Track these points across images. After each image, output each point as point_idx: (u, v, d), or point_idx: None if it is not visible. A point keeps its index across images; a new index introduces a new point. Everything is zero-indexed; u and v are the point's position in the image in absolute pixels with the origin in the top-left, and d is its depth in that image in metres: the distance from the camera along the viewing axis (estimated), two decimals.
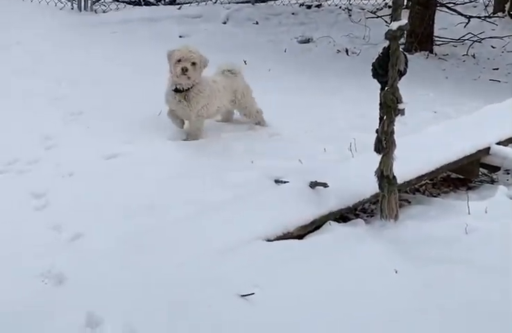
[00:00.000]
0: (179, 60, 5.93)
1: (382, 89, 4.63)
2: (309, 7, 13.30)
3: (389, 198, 4.72)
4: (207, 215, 4.63)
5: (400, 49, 4.55)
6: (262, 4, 13.08)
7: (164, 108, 6.32)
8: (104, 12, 11.27)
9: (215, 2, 12.63)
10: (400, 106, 4.57)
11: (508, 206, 5.21)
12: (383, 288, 4.02)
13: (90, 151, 5.65)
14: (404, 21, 4.52)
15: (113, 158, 5.61)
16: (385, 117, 4.63)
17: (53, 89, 7.15)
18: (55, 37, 9.21)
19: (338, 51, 10.68)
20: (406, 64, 4.58)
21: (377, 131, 4.68)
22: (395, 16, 4.53)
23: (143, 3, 12.11)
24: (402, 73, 4.59)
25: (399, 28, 4.49)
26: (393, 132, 4.65)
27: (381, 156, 4.71)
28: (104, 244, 4.28)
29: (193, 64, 5.93)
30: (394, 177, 4.72)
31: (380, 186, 4.74)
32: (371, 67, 4.67)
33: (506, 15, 13.09)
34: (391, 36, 4.51)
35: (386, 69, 4.56)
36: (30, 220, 4.62)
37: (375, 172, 4.73)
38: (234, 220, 4.55)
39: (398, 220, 4.81)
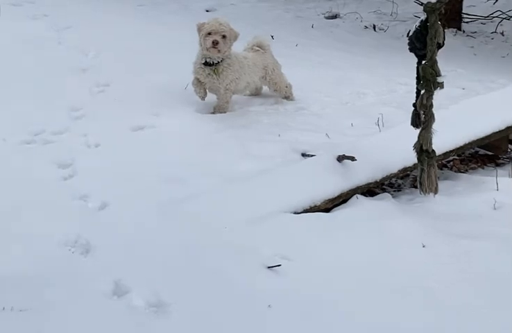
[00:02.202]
0: (209, 33, 5.88)
1: (419, 62, 4.56)
2: None
3: (429, 172, 4.67)
4: (234, 187, 4.63)
5: (438, 22, 4.47)
6: None
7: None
8: None
9: None
10: (439, 79, 4.51)
11: None
12: (410, 262, 4.02)
13: (117, 123, 5.64)
14: None
15: (140, 130, 5.60)
16: (423, 91, 4.56)
17: (79, 60, 7.13)
18: (82, 9, 9.16)
19: (366, 27, 10.59)
20: (443, 37, 4.51)
21: (414, 105, 4.63)
22: None
23: None
24: (440, 46, 4.52)
25: (439, 0, 4.41)
26: (431, 106, 4.60)
27: (419, 130, 4.65)
28: (130, 214, 4.30)
29: (224, 37, 5.88)
30: (433, 150, 4.68)
31: (419, 160, 4.69)
32: (408, 41, 4.60)
33: None
34: (430, 8, 4.42)
35: (424, 42, 4.49)
36: (57, 190, 4.62)
37: (413, 146, 4.68)
38: (262, 193, 4.55)
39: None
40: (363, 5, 11.61)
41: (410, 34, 4.60)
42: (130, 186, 4.66)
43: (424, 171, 4.64)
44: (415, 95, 4.64)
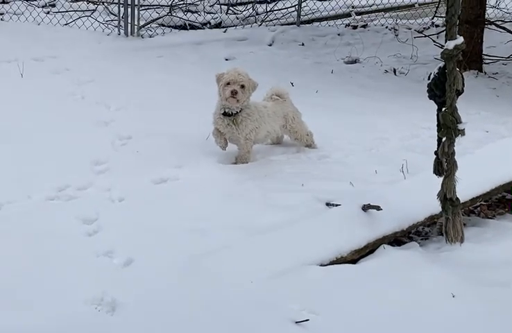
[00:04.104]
0: (228, 83, 5.92)
1: (439, 109, 4.52)
2: (354, 27, 13.25)
3: (454, 221, 4.59)
4: (258, 239, 4.59)
5: (457, 68, 4.45)
6: (307, 25, 13.05)
7: None
8: (150, 36, 11.36)
9: (260, 24, 12.65)
10: (460, 126, 4.47)
11: None
12: (441, 313, 3.95)
13: (140, 176, 5.64)
14: (460, 39, 4.38)
15: (163, 183, 5.61)
16: (444, 138, 4.52)
17: (101, 113, 7.18)
18: (103, 62, 9.27)
19: (386, 71, 10.59)
20: (463, 84, 4.48)
21: (436, 153, 4.58)
22: (450, 35, 4.40)
23: (188, 27, 12.19)
24: (459, 93, 4.49)
25: (456, 47, 4.37)
26: (453, 154, 4.54)
27: (442, 178, 4.59)
28: (156, 270, 4.26)
29: (242, 86, 5.92)
30: (457, 199, 4.60)
31: (444, 209, 4.61)
32: (427, 88, 4.57)
33: None
34: (447, 55, 4.39)
35: (443, 89, 4.45)
36: (82, 246, 4.59)
37: (437, 195, 4.61)
38: (287, 244, 4.51)
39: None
40: (383, 49, 11.62)
41: (429, 81, 4.59)
42: (154, 241, 4.62)
43: (449, 220, 4.56)
44: (436, 142, 4.60)
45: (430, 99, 4.60)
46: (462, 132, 4.50)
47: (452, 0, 4.41)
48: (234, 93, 5.90)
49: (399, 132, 7.31)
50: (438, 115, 4.54)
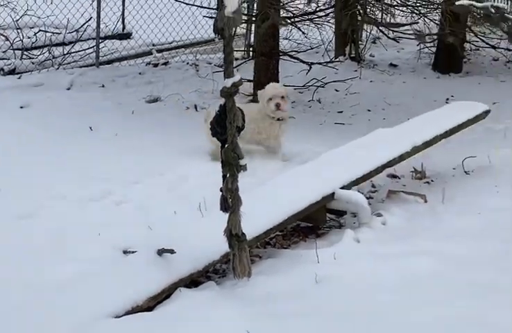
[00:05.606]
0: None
1: (222, 146, 4.63)
2: (155, 65, 13.34)
3: (240, 256, 4.67)
4: (49, 297, 4.46)
5: (236, 105, 4.55)
6: (107, 66, 13.00)
7: None
8: None
9: (57, 68, 12.42)
10: (241, 162, 4.57)
11: (355, 249, 5.31)
12: None
13: None
14: (237, 77, 4.50)
15: None
16: (228, 175, 4.61)
17: None
18: None
19: (187, 108, 10.64)
20: (243, 120, 4.60)
21: (221, 189, 4.66)
22: (227, 73, 4.49)
23: None
24: (240, 129, 4.61)
25: (234, 84, 4.49)
26: (237, 189, 4.62)
27: (228, 214, 4.67)
28: None
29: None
30: (243, 234, 4.69)
31: (230, 245, 4.69)
32: (209, 126, 4.69)
33: (346, 58, 13.51)
34: (226, 93, 4.51)
35: (225, 127, 4.56)
36: None
37: (224, 231, 4.68)
38: (82, 300, 4.38)
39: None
40: (184, 85, 11.71)
41: (211, 119, 4.70)
42: None
43: (236, 256, 4.65)
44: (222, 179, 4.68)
45: (213, 137, 4.72)
46: (244, 168, 4.62)
47: (227, 39, 4.53)
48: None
49: (198, 169, 7.32)
50: (221, 152, 4.63)
